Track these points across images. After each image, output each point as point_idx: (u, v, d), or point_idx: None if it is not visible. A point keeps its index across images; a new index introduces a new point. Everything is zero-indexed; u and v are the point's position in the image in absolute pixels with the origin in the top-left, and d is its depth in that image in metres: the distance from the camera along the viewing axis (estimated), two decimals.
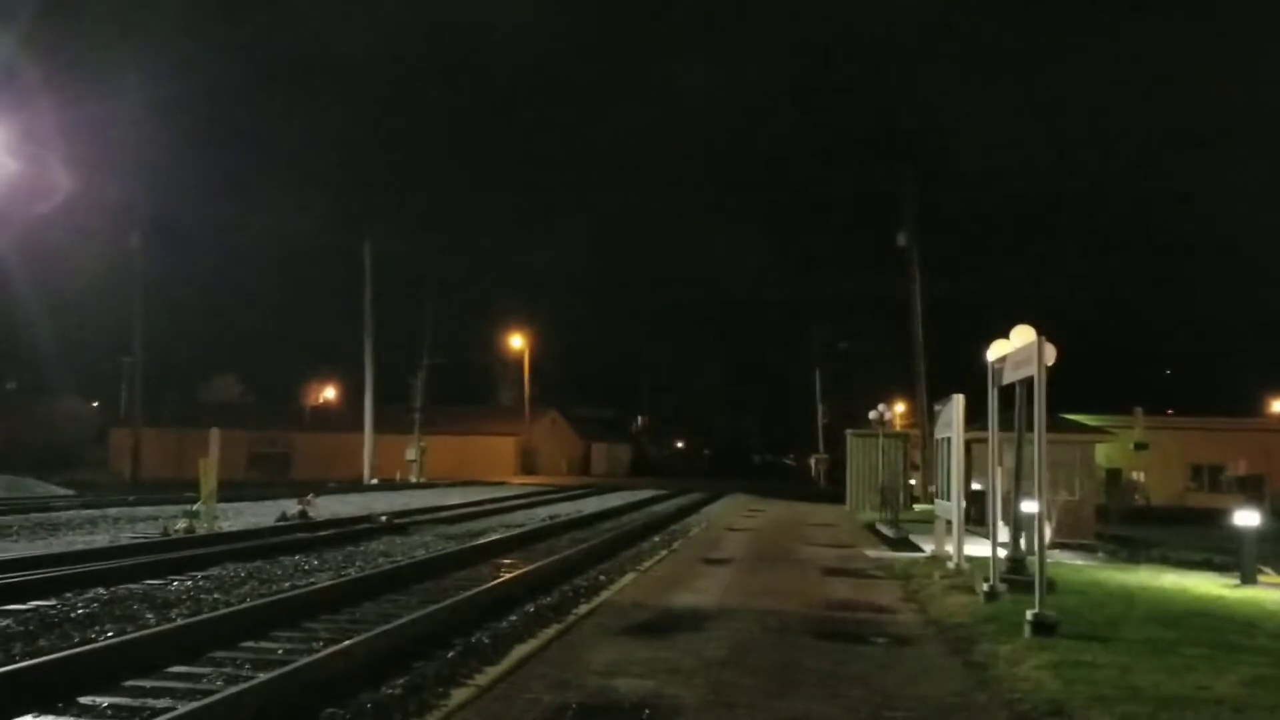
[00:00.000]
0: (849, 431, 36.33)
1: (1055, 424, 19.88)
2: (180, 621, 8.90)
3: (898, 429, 43.40)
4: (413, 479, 53.13)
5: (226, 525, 19.79)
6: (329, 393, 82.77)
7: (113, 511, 23.54)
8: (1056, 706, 6.53)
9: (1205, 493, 50.78)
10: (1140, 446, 47.18)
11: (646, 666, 7.59)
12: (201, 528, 18.52)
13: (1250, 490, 15.63)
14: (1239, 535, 14.49)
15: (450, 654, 7.90)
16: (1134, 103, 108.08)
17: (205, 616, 9.08)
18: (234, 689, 6.25)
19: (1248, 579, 13.89)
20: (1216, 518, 25.92)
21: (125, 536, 17.42)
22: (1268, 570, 15.41)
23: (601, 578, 13.32)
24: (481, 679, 7.14)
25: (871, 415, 33.53)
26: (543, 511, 28.12)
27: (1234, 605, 11.55)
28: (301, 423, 72.86)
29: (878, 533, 22.59)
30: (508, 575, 12.74)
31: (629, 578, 13.12)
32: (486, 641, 8.45)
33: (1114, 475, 36.12)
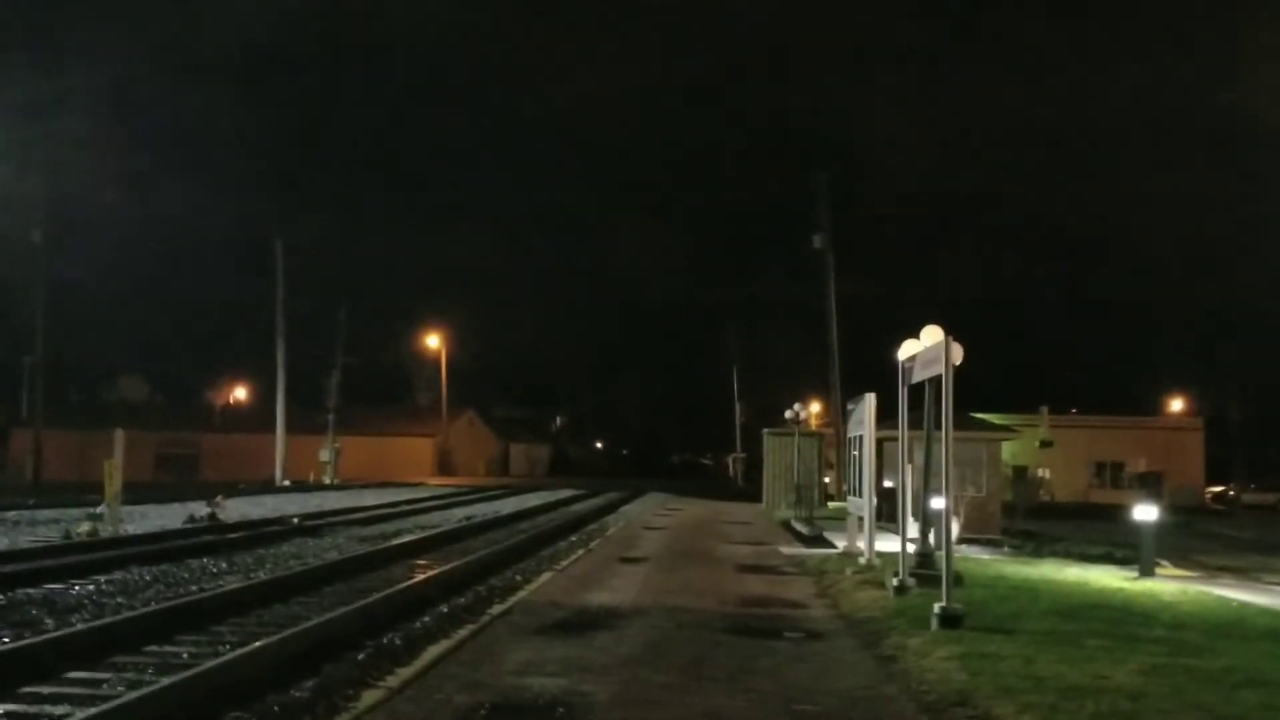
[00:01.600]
0: (766, 431, 36.70)
1: (963, 422, 20.36)
2: (81, 626, 8.64)
3: (813, 428, 43.97)
4: (326, 480, 52.30)
5: (132, 528, 19.26)
6: (240, 393, 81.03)
7: (12, 515, 22.74)
8: (962, 697, 6.67)
9: (1107, 489, 52.37)
10: (1045, 444, 48.46)
11: (560, 665, 7.58)
12: (106, 531, 18.01)
13: (1149, 487, 16.18)
14: (1138, 530, 14.98)
15: (361, 656, 7.78)
16: (1042, 104, 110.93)
17: (107, 620, 8.82)
18: (135, 694, 6.09)
19: (1146, 572, 14.35)
20: (1117, 513, 26.76)
21: (25, 540, 16.84)
22: (1165, 563, 15.97)
23: (518, 578, 13.26)
24: (392, 680, 7.06)
25: (788, 414, 33.88)
26: (459, 512, 27.89)
27: (1133, 597, 11.92)
28: (211, 423, 71.23)
29: (792, 530, 22.86)
30: (421, 576, 12.61)
31: (545, 577, 13.09)
32: (398, 643, 8.34)
33: (1020, 472, 37.01)
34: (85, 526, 18.32)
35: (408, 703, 6.48)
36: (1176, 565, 16.52)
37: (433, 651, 8.05)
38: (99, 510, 19.31)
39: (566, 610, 10.24)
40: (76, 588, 11.50)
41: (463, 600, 10.95)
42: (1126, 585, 13.23)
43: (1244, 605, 11.66)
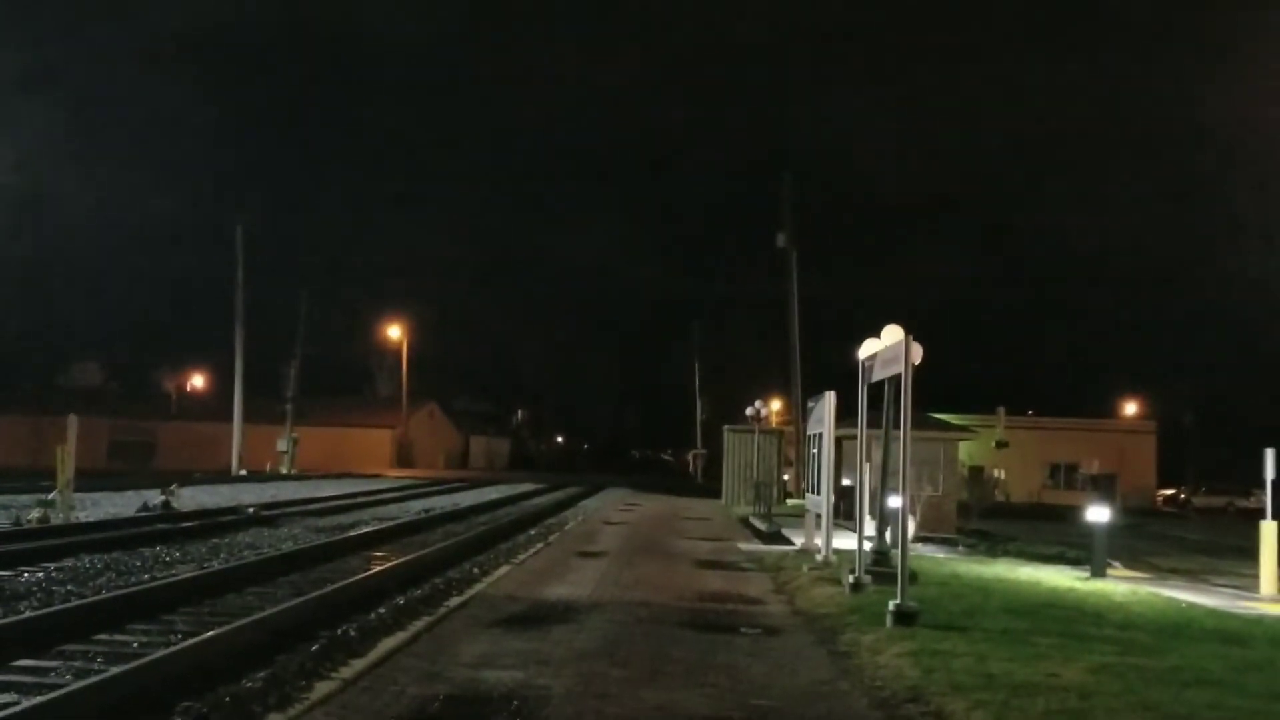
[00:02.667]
0: (726, 428, 36.83)
1: (921, 422, 20.52)
2: (29, 614, 8.51)
3: (773, 425, 44.16)
4: (284, 470, 51.84)
5: (84, 515, 18.99)
6: (197, 381, 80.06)
7: None
8: (915, 693, 6.73)
9: (1061, 490, 53.09)
10: (1001, 445, 49.06)
11: (517, 658, 7.56)
12: (57, 517, 17.74)
13: (1102, 488, 16.35)
14: (1091, 531, 15.17)
15: (315, 647, 7.71)
16: (1006, 109, 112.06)
17: (56, 609, 8.68)
18: (83, 683, 6.00)
19: (1098, 572, 14.55)
20: (1071, 514, 27.13)
21: None
22: (1116, 564, 16.20)
23: (475, 570, 13.20)
24: (346, 672, 7.01)
25: (748, 412, 34.01)
26: (418, 505, 27.74)
27: (1084, 597, 12.09)
28: (167, 411, 70.37)
29: (751, 527, 22.95)
30: (378, 568, 12.53)
31: (503, 570, 13.06)
32: (353, 634, 8.28)
33: (976, 472, 37.40)
34: (36, 513, 18.04)
35: (362, 694, 6.43)
36: (1128, 566, 16.76)
37: (388, 643, 8.00)
38: (50, 497, 19.01)
39: (524, 604, 10.22)
40: (25, 575, 11.32)
41: (419, 592, 10.89)
42: (1078, 585, 13.40)
43: (1192, 606, 11.85)
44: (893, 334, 11.31)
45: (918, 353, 10.12)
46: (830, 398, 15.00)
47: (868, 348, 12.31)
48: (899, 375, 10.28)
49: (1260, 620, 10.95)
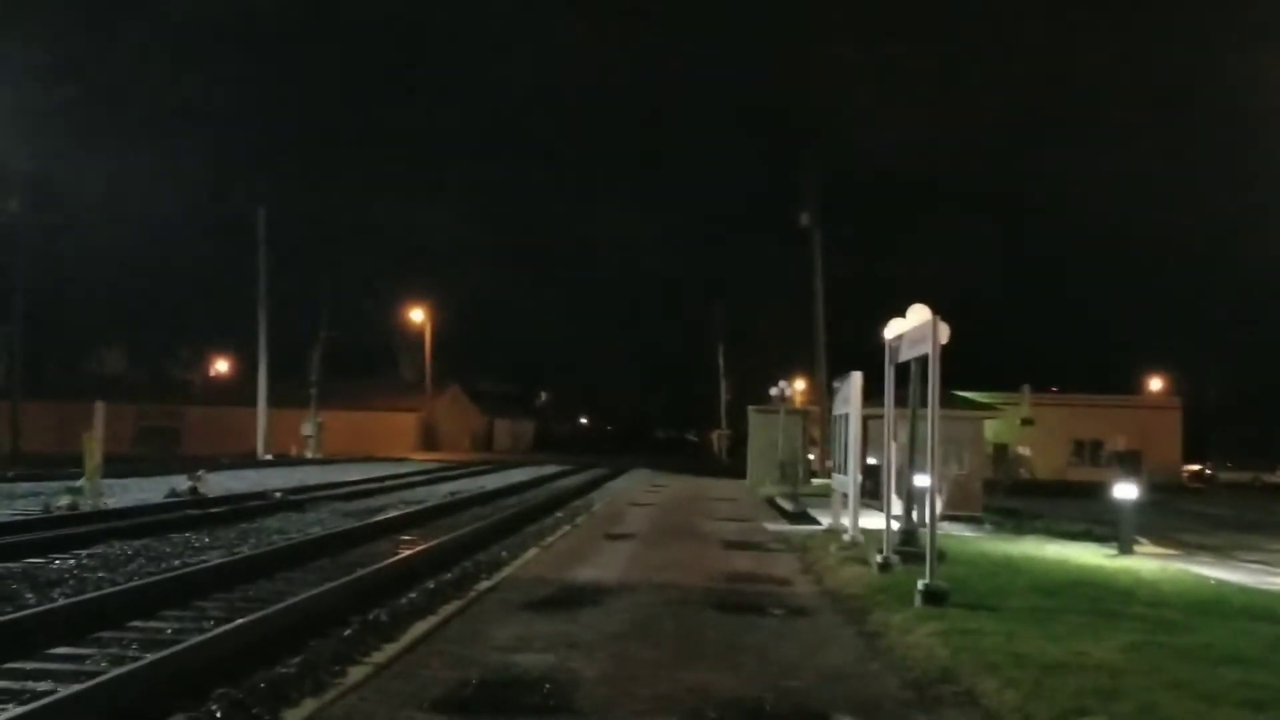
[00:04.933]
0: (751, 408, 36.80)
1: (947, 400, 20.38)
2: (63, 601, 8.62)
3: (798, 405, 44.10)
4: (309, 455, 52.18)
5: (112, 502, 19.17)
6: (222, 365, 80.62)
7: None
8: (946, 673, 6.73)
9: (1086, 467, 52.76)
10: (1026, 423, 48.80)
11: (548, 641, 7.60)
12: (86, 504, 17.93)
13: (1128, 465, 16.24)
14: (1117, 508, 15.10)
15: (347, 632, 7.79)
16: (1032, 87, 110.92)
17: (90, 595, 8.80)
18: (120, 670, 6.08)
19: (1125, 549, 14.48)
20: (1096, 491, 26.99)
21: (4, 514, 16.75)
22: (1143, 541, 16.11)
23: (504, 553, 13.28)
24: (379, 656, 7.07)
25: (773, 392, 34.02)
26: (444, 488, 27.89)
27: (1112, 574, 12.03)
28: (192, 396, 70.92)
29: (777, 507, 22.97)
30: (407, 552, 12.62)
31: (531, 553, 13.12)
32: (385, 619, 8.35)
33: (1001, 450, 37.33)
34: (65, 500, 18.23)
35: (395, 679, 6.49)
36: (1155, 543, 16.67)
37: (420, 627, 8.06)
38: (79, 484, 19.21)
39: (553, 586, 10.27)
40: (57, 562, 11.47)
41: (449, 576, 10.97)
42: (1106, 563, 13.35)
43: (1221, 583, 11.79)
44: (919, 314, 11.25)
45: (945, 333, 10.06)
46: (857, 378, 14.95)
47: (894, 328, 12.25)
48: (925, 355, 10.24)
49: None
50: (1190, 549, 16.61)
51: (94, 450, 19.02)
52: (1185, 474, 56.53)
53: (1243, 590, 11.17)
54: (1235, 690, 6.27)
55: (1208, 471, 57.25)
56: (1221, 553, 16.27)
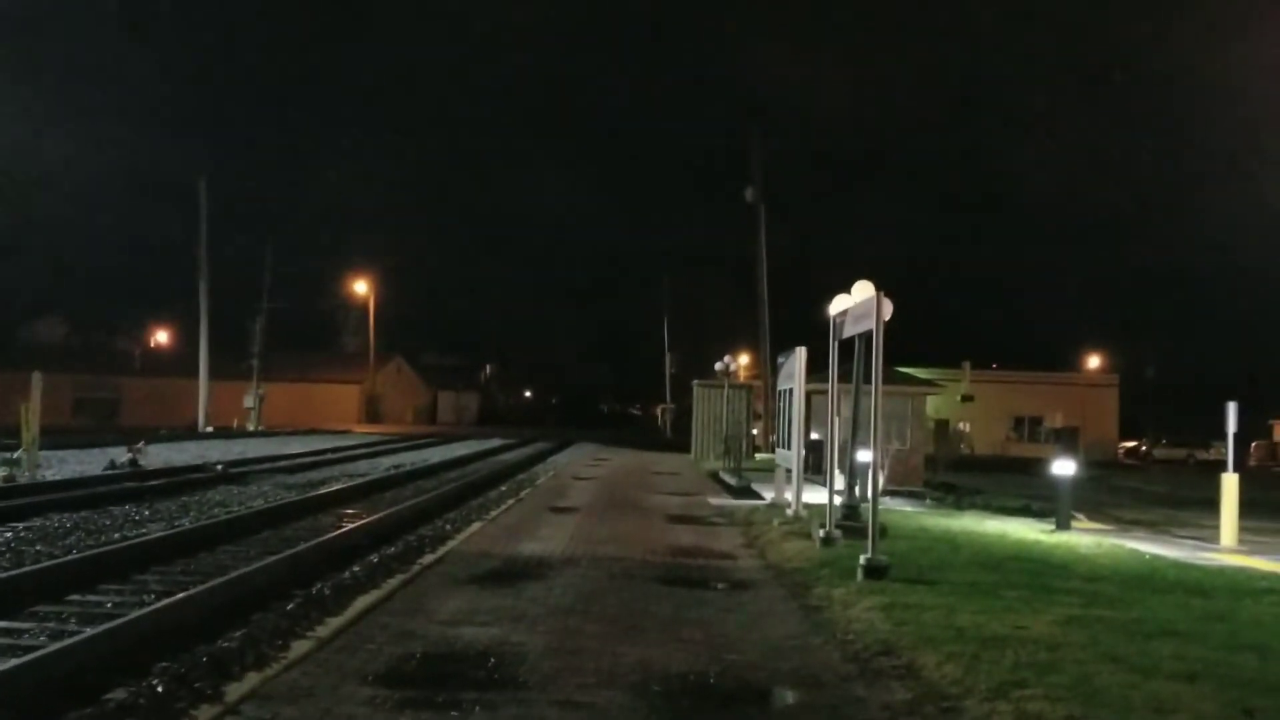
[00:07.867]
0: (695, 382, 36.92)
1: (889, 376, 20.63)
2: None
3: (742, 380, 44.32)
4: (250, 427, 51.53)
5: (50, 474, 18.82)
6: (162, 336, 79.24)
7: None
8: (886, 646, 6.83)
9: (1025, 443, 53.83)
10: (966, 399, 49.55)
11: (492, 615, 7.60)
12: (22, 476, 17.56)
13: (1066, 441, 16.57)
14: (1055, 484, 15.38)
15: (290, 606, 7.72)
16: (962, 62, 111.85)
17: (26, 569, 8.63)
18: (58, 644, 5.98)
19: (1063, 525, 14.77)
20: (1035, 466, 27.52)
21: None
22: (1080, 516, 16.45)
23: (448, 527, 13.23)
24: (322, 630, 7.02)
25: (717, 366, 34.10)
26: (387, 461, 27.71)
27: (1050, 549, 12.27)
28: (132, 367, 69.67)
29: (721, 481, 23.11)
30: (350, 525, 12.52)
31: (475, 527, 13.08)
32: (328, 593, 8.28)
33: (942, 426, 37.84)
34: (1, 472, 17.84)
35: (338, 653, 6.45)
36: (1091, 518, 17.03)
37: (363, 601, 8.02)
38: (15, 455, 18.80)
39: (497, 560, 10.26)
40: None
41: (392, 550, 10.91)
42: (1044, 538, 13.60)
43: (1155, 558, 12.07)
44: (863, 290, 11.35)
45: (888, 309, 10.16)
46: (801, 353, 15.07)
47: (838, 303, 12.35)
48: (869, 331, 10.33)
49: (1221, 571, 11.16)
50: (1125, 524, 16.98)
51: (31, 421, 18.63)
52: (1122, 451, 57.75)
53: (1176, 565, 11.44)
54: (1168, 663, 6.44)
55: (1144, 448, 58.49)
56: (1156, 528, 16.65)
